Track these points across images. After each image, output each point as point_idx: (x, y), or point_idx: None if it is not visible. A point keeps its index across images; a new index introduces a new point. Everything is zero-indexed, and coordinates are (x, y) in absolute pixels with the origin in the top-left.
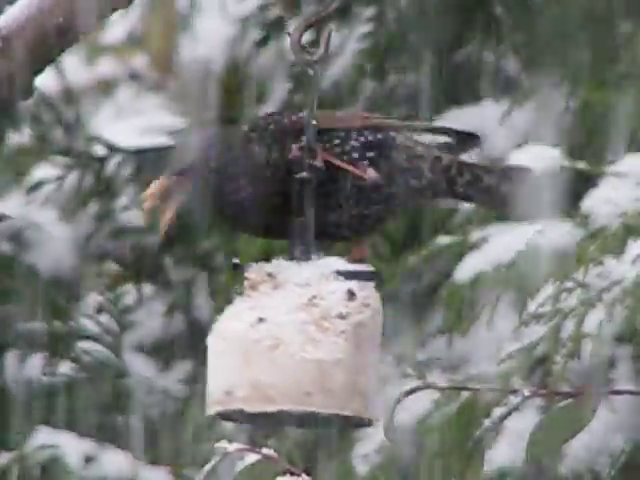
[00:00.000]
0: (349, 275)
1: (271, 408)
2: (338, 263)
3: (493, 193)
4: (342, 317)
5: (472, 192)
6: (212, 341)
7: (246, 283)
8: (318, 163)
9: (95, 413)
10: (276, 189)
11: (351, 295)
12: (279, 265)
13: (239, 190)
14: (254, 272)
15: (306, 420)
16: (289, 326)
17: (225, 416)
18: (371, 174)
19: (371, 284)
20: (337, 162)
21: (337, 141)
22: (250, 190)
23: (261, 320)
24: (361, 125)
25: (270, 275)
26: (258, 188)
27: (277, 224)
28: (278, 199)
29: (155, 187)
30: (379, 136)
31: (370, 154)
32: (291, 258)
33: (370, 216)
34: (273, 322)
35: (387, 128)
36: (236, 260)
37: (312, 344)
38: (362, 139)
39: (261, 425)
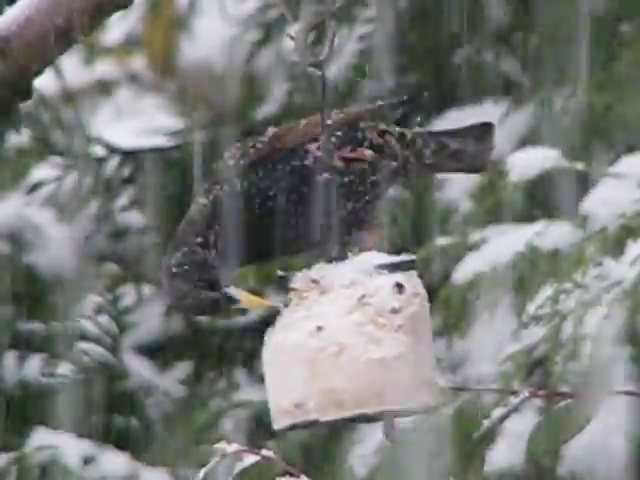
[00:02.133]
0: (391, 267)
1: (346, 413)
2: (376, 257)
3: (461, 156)
4: (396, 311)
5: (440, 160)
6: (269, 355)
7: (292, 293)
8: (337, 162)
9: (94, 414)
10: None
11: (400, 288)
12: (321, 269)
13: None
14: (299, 281)
15: (377, 416)
16: (347, 329)
17: (297, 426)
18: (367, 153)
19: (414, 273)
20: (348, 155)
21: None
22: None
23: (320, 328)
24: (321, 130)
25: (315, 281)
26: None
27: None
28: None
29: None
30: (343, 130)
31: (346, 144)
32: (329, 260)
33: (363, 209)
34: (331, 328)
35: (343, 122)
36: (281, 273)
37: (374, 343)
38: (339, 133)
39: (330, 425)
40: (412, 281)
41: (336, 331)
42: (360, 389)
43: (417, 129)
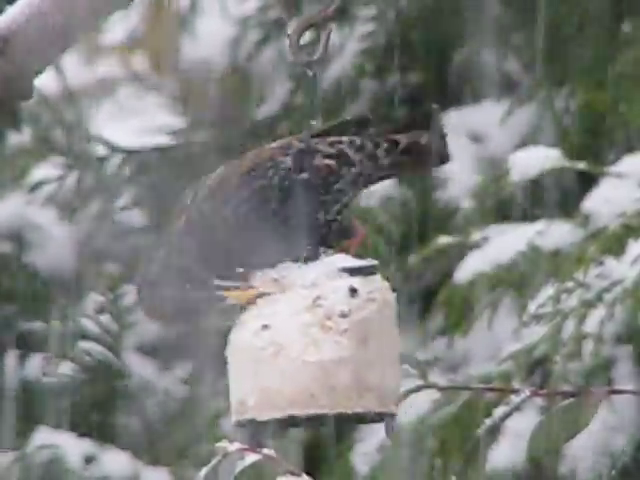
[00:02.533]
0: (352, 271)
1: (279, 414)
2: (344, 260)
3: (416, 150)
4: (344, 315)
5: (395, 159)
6: (228, 352)
7: (252, 291)
8: (319, 162)
9: (95, 413)
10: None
11: (353, 292)
12: (285, 269)
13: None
14: (259, 280)
15: (318, 420)
16: (292, 330)
17: (243, 425)
18: (328, 162)
19: (376, 278)
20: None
21: (271, 172)
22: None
23: (265, 327)
24: (271, 154)
25: (275, 280)
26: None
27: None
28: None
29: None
30: (298, 149)
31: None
32: (296, 260)
33: (335, 219)
34: (276, 328)
35: (293, 143)
36: (240, 269)
37: (314, 345)
38: (288, 162)
39: (276, 429)
40: (370, 286)
41: (279, 331)
42: (293, 391)
43: (365, 133)
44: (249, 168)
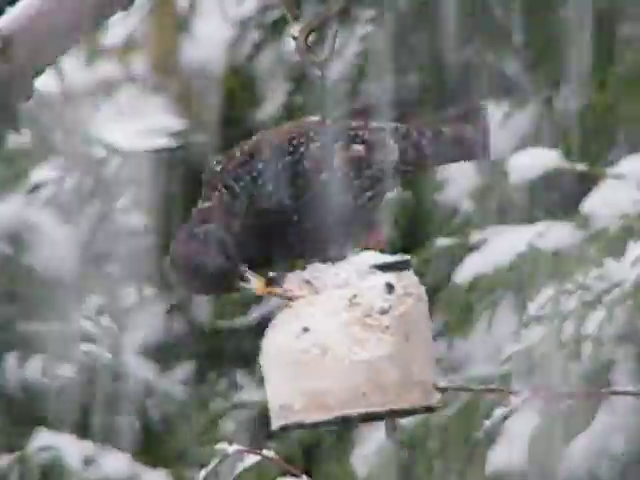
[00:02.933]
0: (385, 267)
1: (329, 415)
2: (372, 257)
3: (459, 142)
4: (384, 312)
5: (439, 149)
6: (264, 358)
7: (285, 294)
8: (338, 161)
9: (95, 415)
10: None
11: (390, 287)
12: (315, 269)
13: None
14: (291, 282)
15: (367, 416)
16: (334, 331)
17: (287, 429)
18: (357, 147)
19: (409, 273)
20: (343, 154)
21: (302, 149)
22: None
23: (305, 330)
24: (305, 130)
25: (307, 282)
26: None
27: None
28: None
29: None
30: (333, 127)
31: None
32: (325, 260)
33: (365, 206)
34: (317, 329)
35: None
36: (272, 273)
37: (359, 344)
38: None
39: (323, 427)
40: (405, 281)
41: (321, 332)
42: (344, 391)
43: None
44: (282, 141)
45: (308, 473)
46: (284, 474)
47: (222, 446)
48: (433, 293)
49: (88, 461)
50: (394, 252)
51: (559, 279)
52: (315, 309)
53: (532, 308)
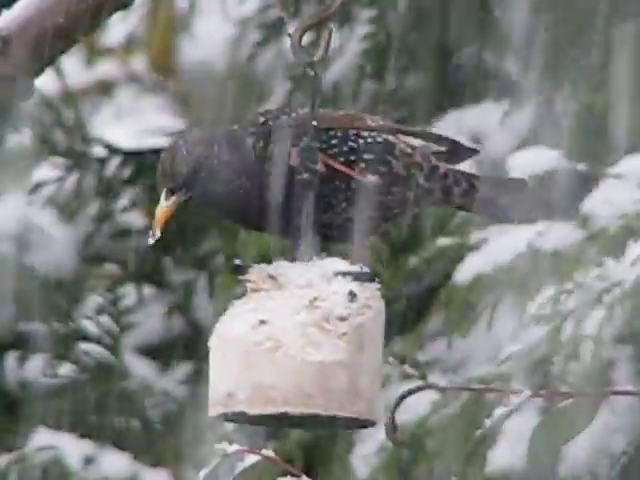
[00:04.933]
0: (351, 276)
1: (272, 410)
2: (340, 264)
3: (489, 204)
4: (343, 319)
5: (468, 201)
6: (214, 343)
7: (247, 285)
8: (318, 167)
9: (95, 414)
10: (269, 182)
11: (352, 296)
12: (280, 266)
13: (232, 181)
14: (255, 274)
15: (308, 421)
16: (290, 328)
17: (228, 417)
18: (371, 178)
19: (373, 285)
20: (337, 166)
21: (335, 141)
22: (243, 181)
23: (262, 322)
24: (358, 126)
25: (271, 277)
26: (251, 180)
27: (275, 218)
28: (272, 191)
29: (161, 214)
30: (378, 139)
31: (368, 157)
32: (292, 259)
33: (360, 220)
34: (274, 324)
35: (383, 131)
36: (237, 262)
37: (313, 346)
38: (361, 141)
39: (262, 425)
40: (368, 293)
41: (278, 328)
42: (290, 388)
43: (450, 165)
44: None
45: (308, 473)
46: (284, 474)
47: (222, 446)
48: (433, 293)
49: (88, 460)
50: (394, 251)
51: (559, 279)
52: (275, 304)
53: (532, 308)
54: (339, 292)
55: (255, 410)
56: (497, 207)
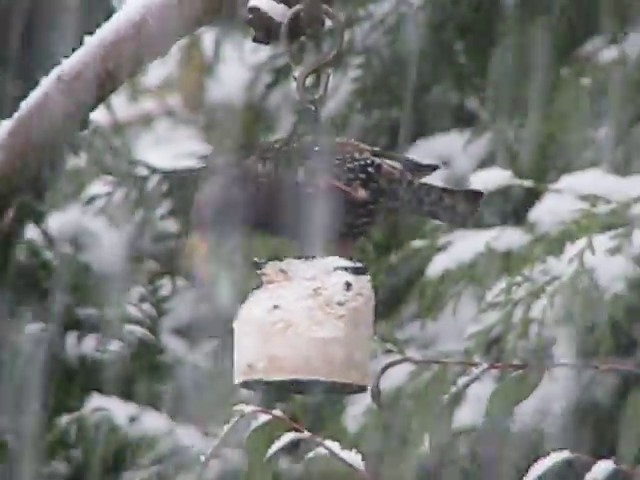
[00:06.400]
0: (347, 270)
1: (284, 377)
2: (337, 261)
3: (453, 211)
4: (341, 304)
5: (436, 210)
6: (237, 324)
7: (263, 277)
8: (322, 184)
9: (138, 382)
10: (281, 196)
11: (348, 286)
12: (290, 263)
13: (250, 202)
14: (270, 268)
15: (312, 387)
16: (298, 311)
17: (248, 385)
18: (362, 194)
19: (365, 277)
20: (336, 184)
21: (336, 164)
22: (259, 201)
23: (276, 307)
24: (352, 151)
25: (283, 271)
26: (265, 197)
27: (286, 225)
28: (283, 204)
29: (193, 249)
30: (368, 162)
31: (362, 176)
32: (299, 257)
33: (357, 225)
34: (285, 308)
35: (373, 156)
36: (256, 259)
37: (317, 325)
38: (356, 164)
39: (276, 392)
40: (360, 283)
41: (288, 311)
42: (299, 359)
43: (424, 181)
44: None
45: (309, 430)
46: (289, 430)
47: (240, 407)
48: (409, 284)
49: (132, 419)
50: (379, 251)
51: (510, 273)
52: (286, 292)
53: (488, 296)
54: (338, 283)
55: (270, 377)
56: (457, 214)
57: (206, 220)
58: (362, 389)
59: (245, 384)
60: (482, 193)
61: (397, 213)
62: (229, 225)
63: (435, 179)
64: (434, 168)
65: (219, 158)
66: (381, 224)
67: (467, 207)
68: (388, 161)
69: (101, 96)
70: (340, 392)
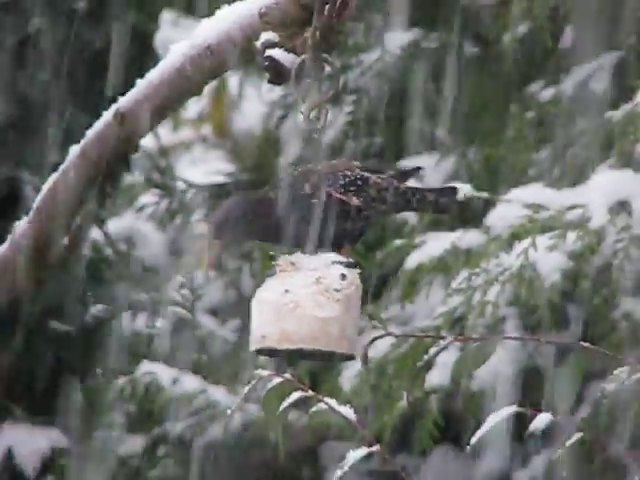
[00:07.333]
0: (342, 264)
1: (292, 346)
2: (335, 257)
3: (436, 205)
4: (337, 290)
5: (421, 206)
6: (254, 304)
7: (277, 267)
8: (322, 196)
9: (178, 351)
10: (290, 211)
11: (343, 277)
12: (298, 257)
13: (267, 222)
14: (282, 260)
15: (314, 355)
16: (305, 295)
17: (261, 352)
18: (355, 201)
19: (356, 270)
20: (335, 194)
21: (333, 180)
22: (271, 219)
23: (287, 291)
24: (345, 169)
25: (292, 263)
26: (275, 214)
27: (292, 238)
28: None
29: (205, 253)
30: (359, 176)
31: (353, 188)
32: (304, 253)
33: (353, 230)
34: (294, 292)
35: (362, 170)
36: (271, 253)
37: (319, 307)
38: (348, 179)
39: (284, 357)
40: (352, 275)
41: (297, 295)
42: (304, 333)
43: (409, 185)
44: (326, 173)
45: (313, 389)
46: (297, 390)
47: (258, 371)
48: (391, 275)
49: (174, 381)
50: (367, 248)
51: (471, 266)
52: (295, 280)
53: (454, 284)
54: (335, 274)
55: (281, 346)
56: (439, 207)
57: (221, 226)
58: (351, 357)
59: (259, 351)
60: (457, 188)
61: (388, 215)
62: (240, 235)
63: (417, 184)
64: (418, 169)
65: (241, 177)
66: (374, 227)
67: (447, 200)
68: (375, 175)
69: (150, 126)
70: (334, 359)
